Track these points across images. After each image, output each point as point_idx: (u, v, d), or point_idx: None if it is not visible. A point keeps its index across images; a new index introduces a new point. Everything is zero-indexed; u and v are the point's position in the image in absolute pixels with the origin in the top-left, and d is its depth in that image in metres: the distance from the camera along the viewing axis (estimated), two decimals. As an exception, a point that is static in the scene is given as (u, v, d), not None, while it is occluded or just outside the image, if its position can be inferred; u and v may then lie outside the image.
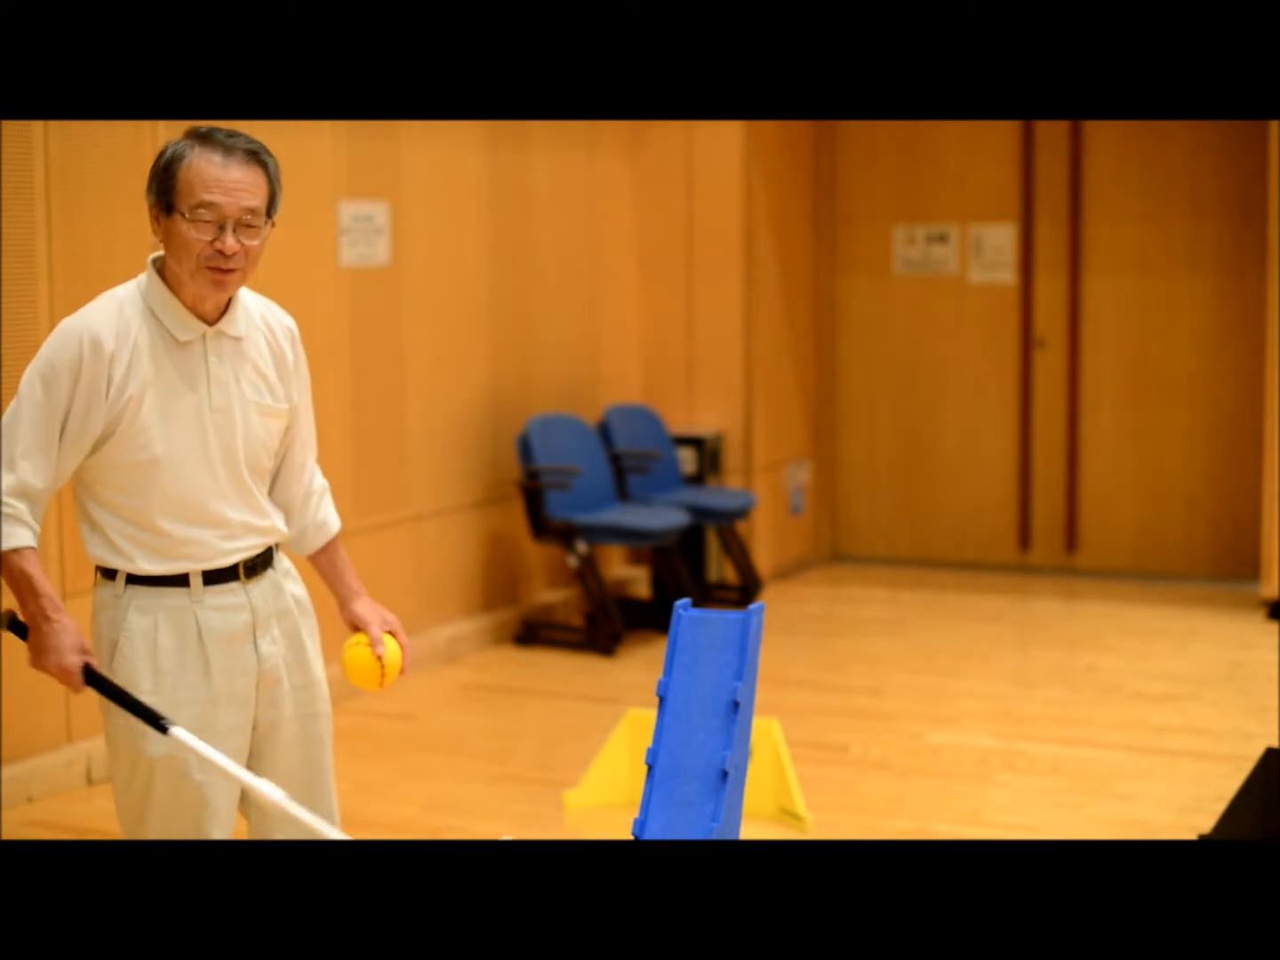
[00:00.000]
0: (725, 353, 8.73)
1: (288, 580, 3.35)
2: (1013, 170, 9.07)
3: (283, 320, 3.34)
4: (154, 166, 3.14)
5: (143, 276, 3.20)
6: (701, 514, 8.06)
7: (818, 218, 9.38)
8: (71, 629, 3.07)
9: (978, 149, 9.11)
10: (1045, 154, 9.00)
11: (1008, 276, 9.13)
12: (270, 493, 3.37)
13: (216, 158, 3.09)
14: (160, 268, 3.18)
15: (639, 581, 8.60)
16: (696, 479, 8.52)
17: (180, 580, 3.18)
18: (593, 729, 6.22)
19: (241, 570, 3.23)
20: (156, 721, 3.06)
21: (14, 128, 5.38)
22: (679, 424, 8.72)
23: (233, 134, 3.14)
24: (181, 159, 3.10)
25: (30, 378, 3.10)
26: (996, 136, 9.06)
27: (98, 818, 5.37)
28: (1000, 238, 9.11)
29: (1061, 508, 9.13)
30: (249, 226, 3.11)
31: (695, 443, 8.55)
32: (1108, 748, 6.02)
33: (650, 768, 2.89)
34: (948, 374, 9.31)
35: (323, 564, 3.47)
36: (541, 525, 7.59)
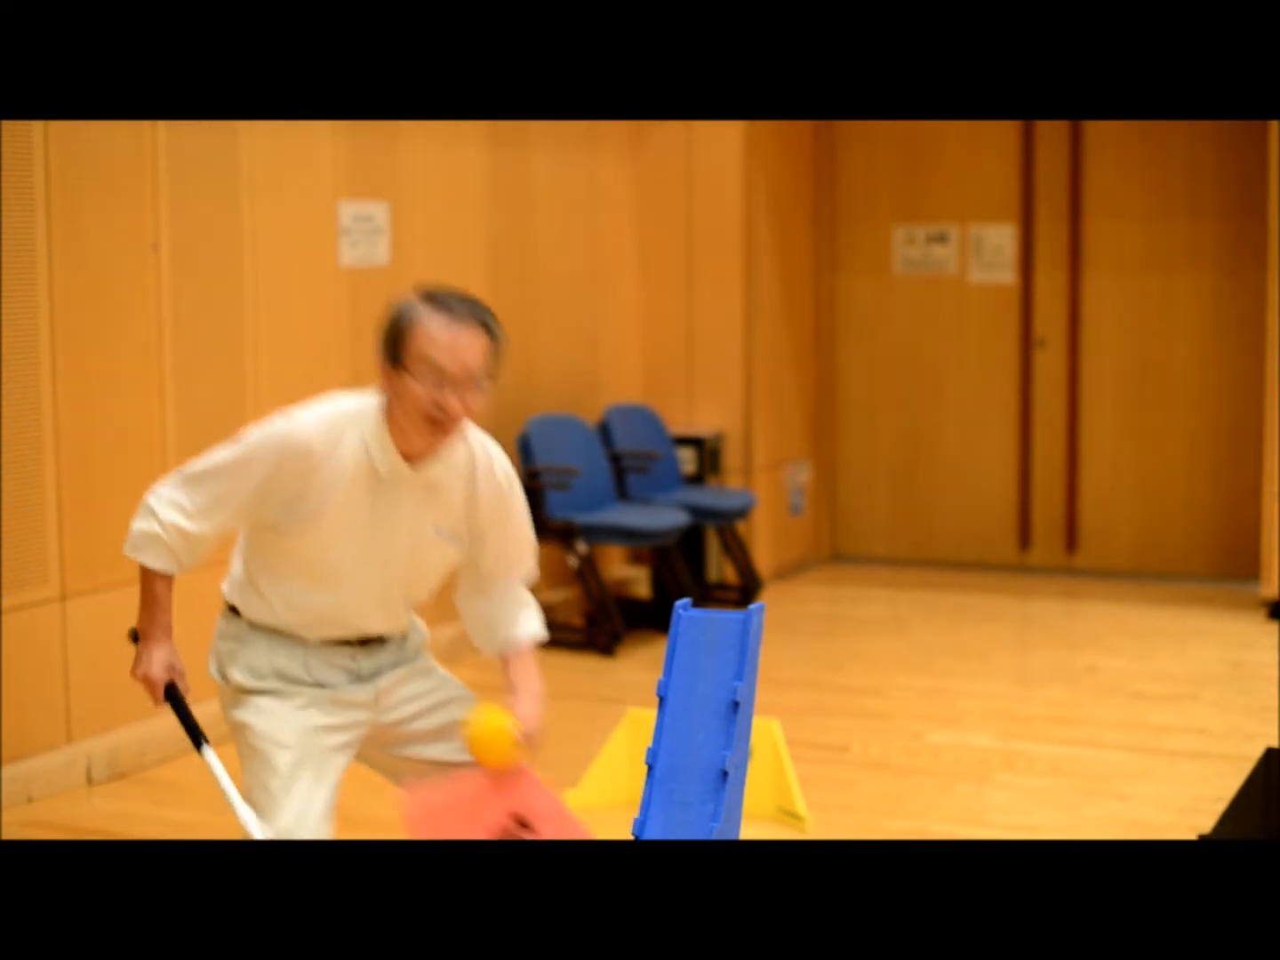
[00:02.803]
0: (725, 353, 8.72)
1: (405, 641, 3.55)
2: (1013, 170, 9.07)
3: (493, 460, 3.46)
4: (386, 325, 3.28)
5: (370, 403, 3.32)
6: (701, 514, 8.06)
7: (818, 218, 9.38)
8: (171, 651, 3.36)
9: (978, 149, 9.11)
10: (1045, 154, 9.00)
11: (1008, 276, 9.12)
12: (469, 606, 3.57)
13: (444, 319, 3.23)
14: (386, 408, 3.31)
15: (639, 581, 8.59)
16: (696, 479, 8.52)
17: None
18: (593, 729, 6.22)
19: (356, 642, 3.44)
20: (197, 739, 3.36)
21: (14, 128, 5.37)
22: (679, 424, 8.72)
23: (467, 301, 3.27)
24: (413, 319, 3.24)
25: (243, 446, 3.28)
26: (996, 136, 9.06)
27: (98, 818, 5.37)
28: (1000, 238, 9.11)
29: (1061, 508, 9.13)
30: (469, 387, 3.27)
31: (695, 443, 8.55)
32: (1108, 748, 6.02)
33: (650, 768, 2.89)
34: (948, 374, 9.31)
35: (509, 665, 3.58)
36: (541, 525, 7.57)
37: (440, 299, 3.26)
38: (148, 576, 3.34)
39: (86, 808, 5.47)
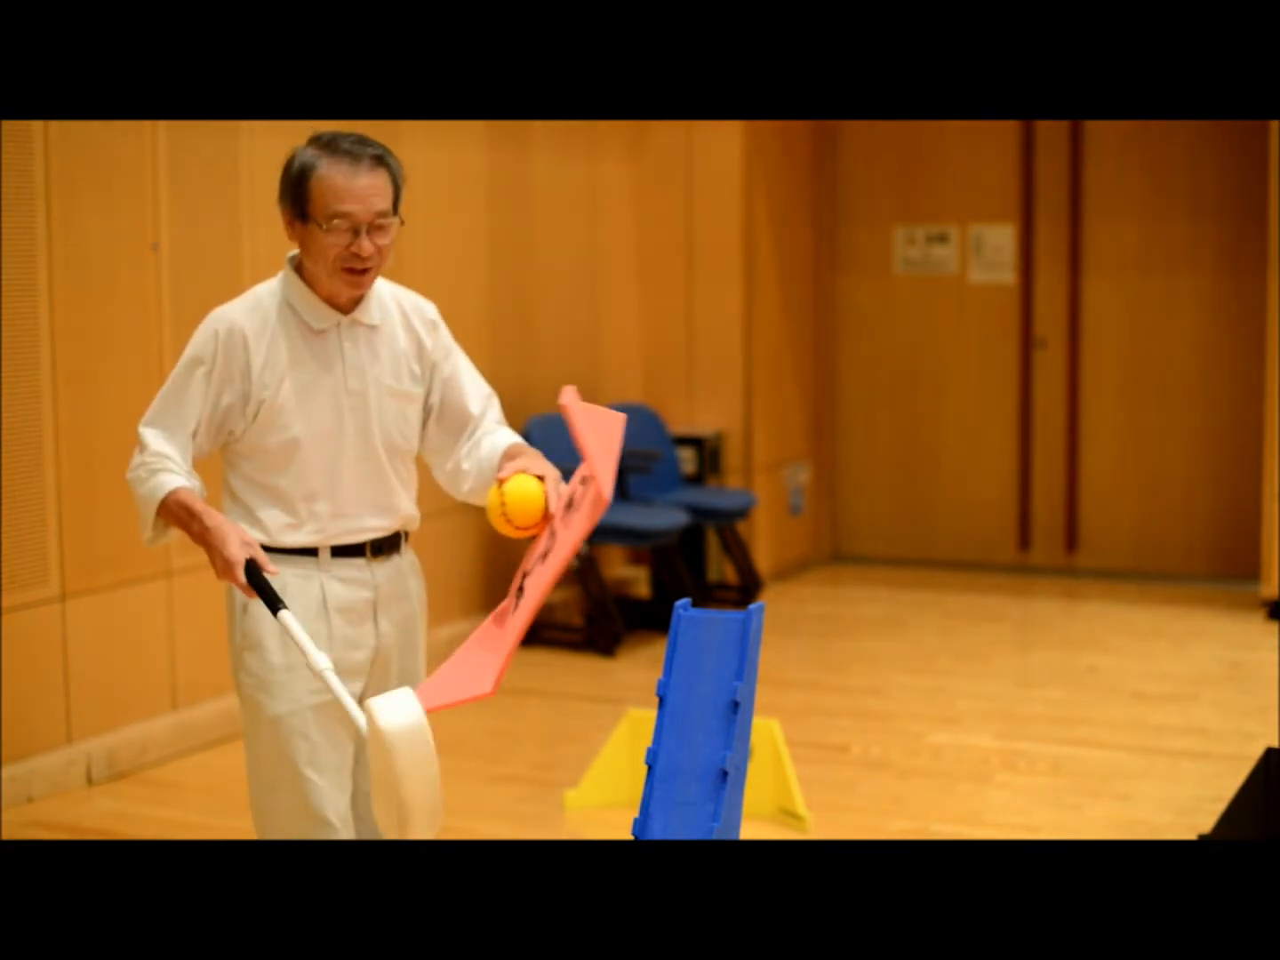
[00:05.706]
0: (725, 353, 8.73)
1: (411, 572, 3.51)
2: (1013, 170, 9.07)
3: (421, 308, 3.48)
4: (285, 176, 3.27)
5: (281, 274, 3.35)
6: (701, 514, 8.06)
7: (818, 218, 9.38)
8: (228, 528, 3.18)
9: (978, 149, 9.11)
10: (1045, 154, 9.00)
11: (1008, 276, 9.12)
12: (459, 454, 3.47)
13: (344, 167, 3.22)
14: (297, 265, 3.34)
15: (639, 581, 8.59)
16: (696, 479, 8.52)
17: (310, 552, 3.34)
18: (593, 729, 6.22)
19: (368, 549, 3.38)
20: (275, 603, 3.15)
21: (14, 128, 5.37)
22: (679, 424, 8.72)
23: (358, 139, 3.25)
24: (312, 170, 3.23)
25: (188, 349, 3.31)
26: (996, 136, 9.06)
27: (98, 818, 5.37)
28: (1000, 238, 9.11)
29: (1061, 508, 9.13)
30: (380, 228, 3.26)
31: (695, 443, 8.55)
32: (1108, 748, 6.02)
33: (650, 768, 2.89)
34: (948, 374, 9.31)
35: (507, 451, 3.46)
36: (541, 525, 7.57)
37: (334, 143, 3.23)
38: (165, 505, 3.23)
39: (86, 808, 5.47)
